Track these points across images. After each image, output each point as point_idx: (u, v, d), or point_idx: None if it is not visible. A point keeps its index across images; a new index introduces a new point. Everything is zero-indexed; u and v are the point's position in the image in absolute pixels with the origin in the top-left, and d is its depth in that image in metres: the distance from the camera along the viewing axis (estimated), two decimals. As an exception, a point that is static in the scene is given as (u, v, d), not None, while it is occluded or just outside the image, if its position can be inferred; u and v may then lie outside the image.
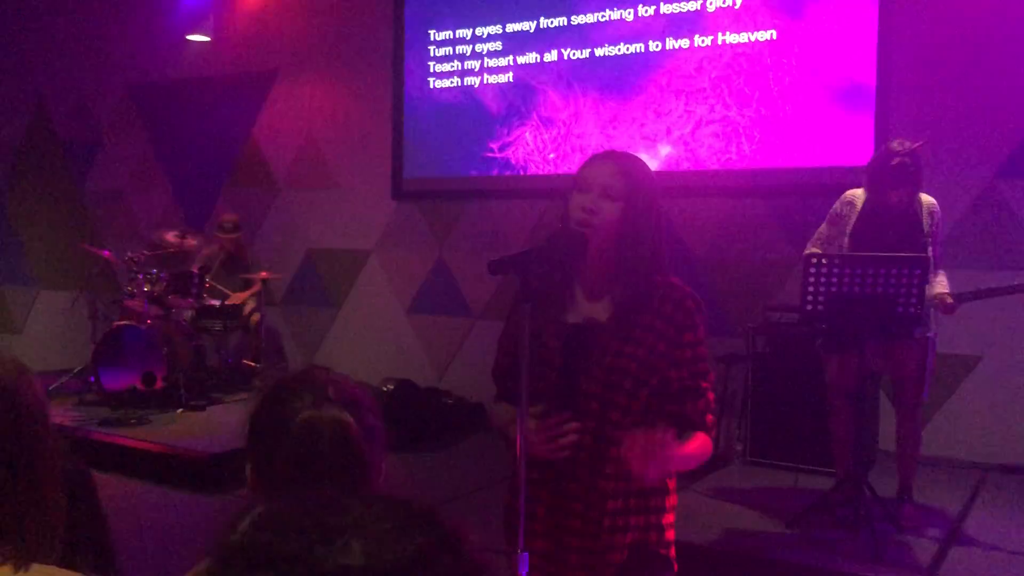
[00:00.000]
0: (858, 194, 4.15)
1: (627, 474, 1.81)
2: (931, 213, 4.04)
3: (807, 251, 4.21)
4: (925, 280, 3.73)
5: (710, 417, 1.88)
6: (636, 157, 1.96)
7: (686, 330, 1.85)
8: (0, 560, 1.15)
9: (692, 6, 5.93)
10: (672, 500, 1.94)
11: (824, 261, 3.76)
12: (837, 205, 4.20)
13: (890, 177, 3.95)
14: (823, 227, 4.26)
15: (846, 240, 4.10)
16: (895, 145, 4.01)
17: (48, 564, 1.18)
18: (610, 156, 1.91)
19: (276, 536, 0.60)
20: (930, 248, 3.99)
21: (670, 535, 1.92)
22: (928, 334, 4.01)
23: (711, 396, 1.90)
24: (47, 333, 9.07)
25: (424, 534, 0.61)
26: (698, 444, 1.87)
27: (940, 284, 3.98)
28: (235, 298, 6.94)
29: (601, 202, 1.83)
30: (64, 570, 1.18)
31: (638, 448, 1.67)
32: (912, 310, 3.69)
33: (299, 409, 1.19)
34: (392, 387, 5.85)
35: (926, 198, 4.06)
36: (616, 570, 1.83)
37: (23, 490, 1.18)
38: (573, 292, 1.94)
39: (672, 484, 1.94)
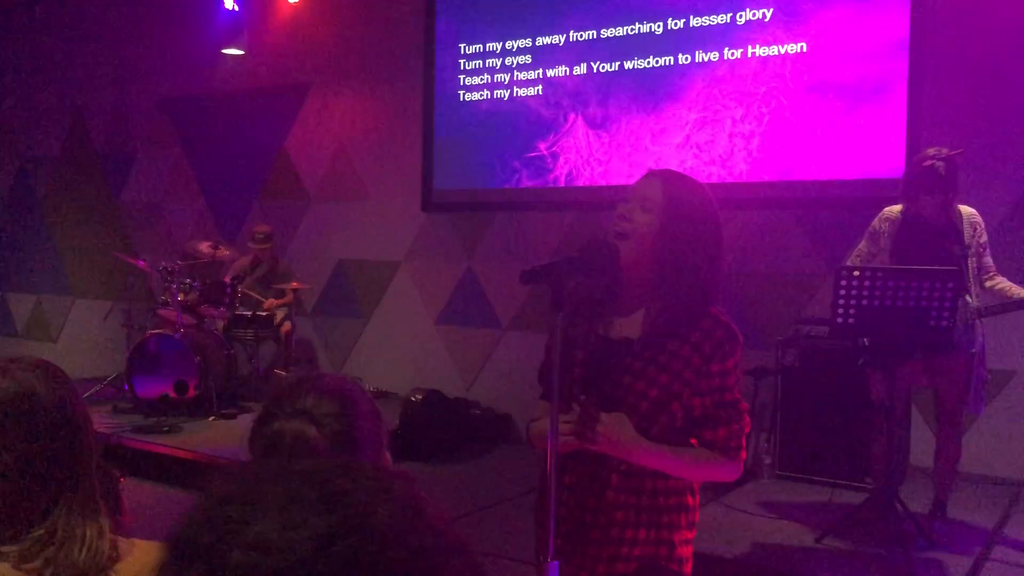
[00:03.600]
0: (896, 210, 4.11)
1: (636, 488, 1.82)
2: (972, 224, 4.00)
3: None
4: (958, 293, 3.70)
5: (734, 443, 1.84)
6: (689, 178, 1.93)
7: (713, 360, 1.80)
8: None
9: (722, 19, 5.93)
10: (692, 517, 1.91)
11: (856, 274, 3.74)
12: (875, 222, 4.17)
13: (923, 181, 3.91)
14: (862, 244, 4.22)
15: (886, 257, 4.07)
16: (930, 151, 3.98)
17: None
18: (660, 173, 1.89)
19: (194, 528, 0.61)
20: (976, 259, 3.95)
21: (683, 551, 1.88)
22: (973, 349, 3.97)
23: (740, 425, 1.85)
24: (82, 342, 9.22)
25: (330, 514, 0.59)
26: (705, 458, 1.84)
27: (1015, 286, 3.96)
28: (267, 304, 7.00)
29: (636, 212, 1.82)
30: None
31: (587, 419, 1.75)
32: (944, 323, 3.66)
33: (273, 420, 1.26)
34: (421, 397, 5.87)
35: (965, 209, 4.01)
36: None
37: (64, 486, 1.25)
38: (610, 305, 1.92)
39: (693, 501, 1.92)
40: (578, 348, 1.90)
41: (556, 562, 1.59)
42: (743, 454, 1.88)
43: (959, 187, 3.97)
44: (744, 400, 1.89)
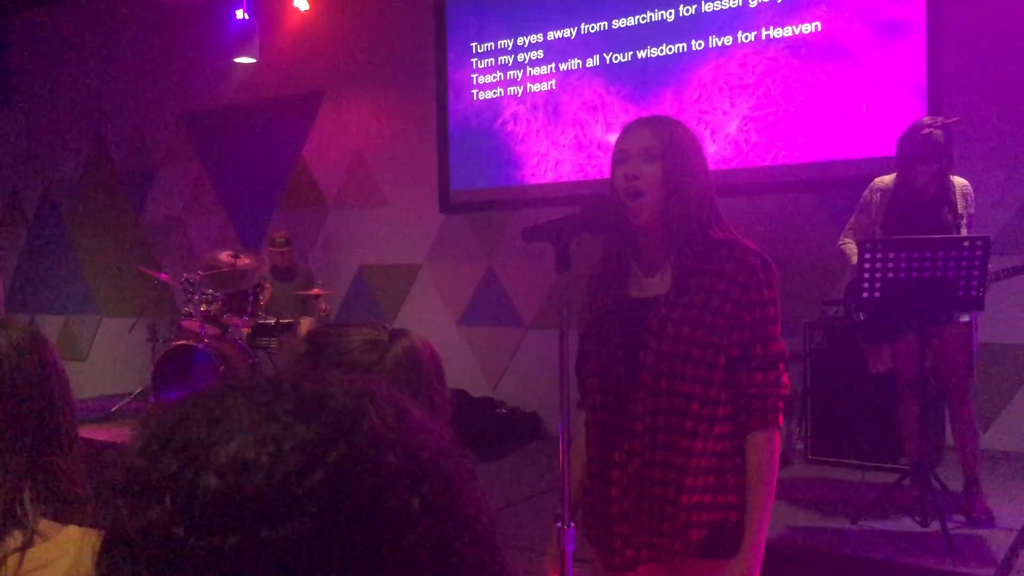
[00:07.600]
0: (886, 180, 4.09)
1: (706, 450, 1.75)
2: (964, 195, 3.95)
3: (840, 242, 4.22)
4: (987, 261, 3.61)
5: (771, 404, 1.75)
6: (669, 118, 1.93)
7: (751, 288, 1.76)
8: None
9: (734, 3, 5.86)
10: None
11: (880, 246, 3.67)
12: (866, 192, 4.15)
13: (918, 150, 3.87)
14: (854, 217, 4.21)
15: (877, 228, 4.03)
16: (926, 120, 3.97)
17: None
18: (642, 121, 1.88)
19: (147, 459, 0.52)
20: (964, 230, 3.89)
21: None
22: (965, 319, 3.89)
23: (777, 375, 1.76)
24: (111, 359, 9.28)
25: (312, 422, 0.52)
26: (756, 461, 1.76)
27: None
28: (304, 325, 6.96)
29: (643, 165, 1.80)
30: None
31: None
32: (974, 293, 3.57)
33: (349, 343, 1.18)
34: (446, 397, 5.83)
35: (959, 180, 3.97)
36: (695, 548, 1.76)
37: (55, 442, 1.21)
38: (632, 266, 1.89)
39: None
40: (611, 316, 1.85)
41: (572, 527, 1.54)
42: (779, 418, 1.77)
43: (953, 156, 3.93)
44: (786, 351, 1.79)
